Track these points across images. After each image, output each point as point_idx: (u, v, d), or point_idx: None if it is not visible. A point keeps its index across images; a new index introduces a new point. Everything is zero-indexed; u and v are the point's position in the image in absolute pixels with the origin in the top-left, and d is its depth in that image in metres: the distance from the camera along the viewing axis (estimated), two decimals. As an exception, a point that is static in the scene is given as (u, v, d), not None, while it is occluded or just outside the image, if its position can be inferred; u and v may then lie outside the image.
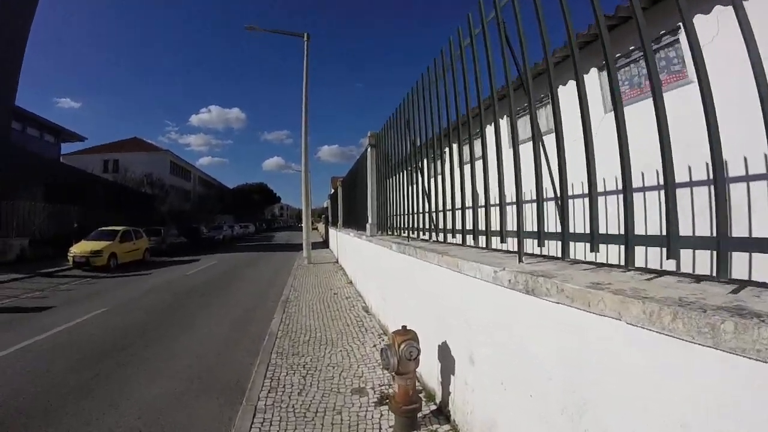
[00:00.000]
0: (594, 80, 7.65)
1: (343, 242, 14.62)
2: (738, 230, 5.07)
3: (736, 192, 5.06)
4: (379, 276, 7.03)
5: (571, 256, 2.66)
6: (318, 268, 15.51)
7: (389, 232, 7.30)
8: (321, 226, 44.78)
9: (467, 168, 3.70)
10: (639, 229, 2.14)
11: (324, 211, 46.60)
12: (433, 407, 3.92)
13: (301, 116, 17.62)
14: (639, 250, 2.16)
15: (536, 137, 2.66)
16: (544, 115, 8.94)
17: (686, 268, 3.13)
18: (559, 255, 2.60)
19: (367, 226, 8.07)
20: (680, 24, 3.36)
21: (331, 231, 22.11)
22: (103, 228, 20.34)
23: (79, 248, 17.64)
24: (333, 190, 26.31)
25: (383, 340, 6.15)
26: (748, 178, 4.95)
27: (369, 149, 8.05)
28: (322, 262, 17.41)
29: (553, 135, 2.52)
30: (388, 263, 6.12)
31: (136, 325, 7.90)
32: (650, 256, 4.14)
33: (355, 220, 11.93)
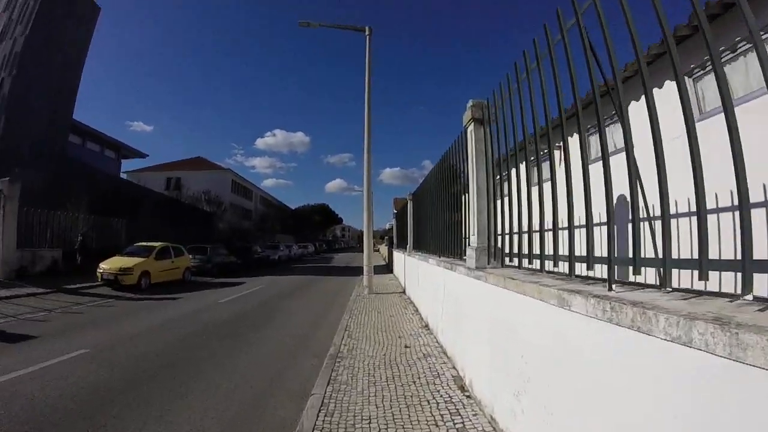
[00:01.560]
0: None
1: (413, 269, 11.15)
2: None
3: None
4: (508, 348, 3.50)
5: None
6: (381, 301, 12.10)
7: (508, 260, 4.06)
8: (383, 249, 41.54)
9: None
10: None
11: (387, 233, 43.40)
12: None
13: (363, 119, 14.54)
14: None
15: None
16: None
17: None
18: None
19: (471, 252, 4.53)
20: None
21: (396, 254, 18.66)
22: (140, 243, 18.28)
23: (110, 264, 15.58)
24: (395, 211, 22.83)
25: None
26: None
27: (472, 127, 4.56)
28: (385, 292, 14.02)
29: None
30: (562, 338, 2.66)
31: (95, 391, 4.87)
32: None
33: (431, 243, 8.57)
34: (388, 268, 26.54)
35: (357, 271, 24.28)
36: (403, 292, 13.86)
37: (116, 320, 9.53)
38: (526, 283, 2.88)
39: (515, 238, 3.88)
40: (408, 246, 12.71)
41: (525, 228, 3.66)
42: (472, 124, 4.41)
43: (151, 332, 8.25)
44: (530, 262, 3.73)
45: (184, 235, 32.68)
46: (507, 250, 4.11)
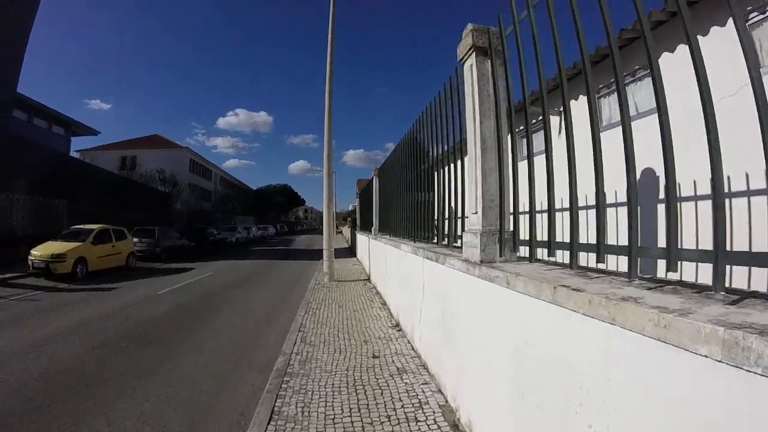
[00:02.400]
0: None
1: (380, 255, 9.86)
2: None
3: None
4: (555, 394, 2.21)
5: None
6: (343, 291, 10.80)
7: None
8: (347, 231, 40.17)
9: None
10: None
11: (350, 215, 41.98)
12: None
13: (324, 87, 12.93)
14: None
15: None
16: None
17: None
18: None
19: (472, 238, 3.15)
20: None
21: (360, 237, 17.34)
22: (77, 226, 16.42)
23: (42, 250, 13.80)
24: (359, 192, 21.42)
25: None
26: None
27: (473, 60, 3.18)
28: (348, 279, 12.73)
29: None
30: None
31: None
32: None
33: (401, 225, 7.36)
34: (351, 251, 25.20)
35: (318, 254, 22.90)
36: (368, 279, 12.59)
37: (26, 320, 7.96)
38: (624, 305, 1.58)
39: (536, 219, 2.62)
40: (373, 228, 11.41)
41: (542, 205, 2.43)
42: (473, 55, 3.06)
43: (62, 337, 6.70)
44: (551, 253, 2.48)
45: (136, 217, 31.04)
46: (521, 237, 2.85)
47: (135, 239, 19.80)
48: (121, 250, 16.75)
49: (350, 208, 51.78)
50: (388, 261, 8.54)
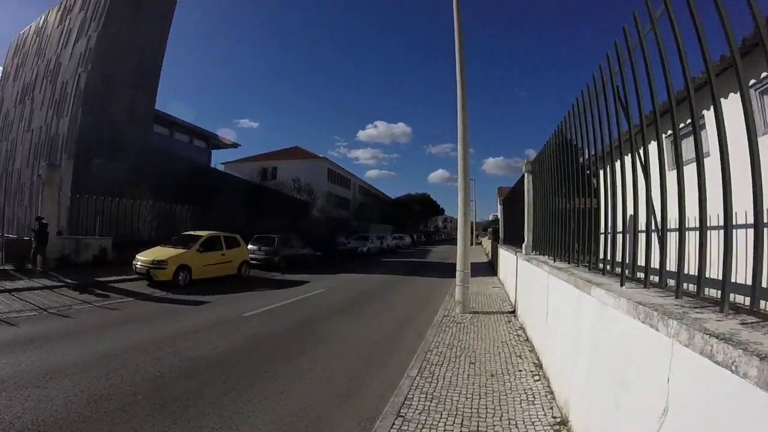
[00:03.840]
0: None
1: (536, 288, 6.32)
2: None
3: None
4: None
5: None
6: (479, 330, 7.57)
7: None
8: (486, 242, 36.40)
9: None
10: None
11: (491, 224, 38.01)
12: None
13: (456, 85, 9.82)
14: None
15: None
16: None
17: None
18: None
19: None
20: None
21: (504, 254, 13.73)
22: (189, 232, 15.85)
23: (147, 255, 13.11)
24: (501, 199, 17.62)
25: None
26: None
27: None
28: (486, 311, 9.43)
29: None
30: None
31: None
32: None
33: (586, 245, 4.00)
34: (491, 267, 21.51)
35: (454, 270, 20.01)
36: (513, 312, 9.14)
37: (74, 336, 6.66)
38: None
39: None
40: (524, 245, 7.93)
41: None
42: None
43: (78, 371, 4.66)
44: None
45: (272, 225, 31.10)
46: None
47: (253, 247, 18.92)
48: (232, 258, 15.61)
49: (490, 217, 47.67)
50: (552, 302, 5.12)
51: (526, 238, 7.89)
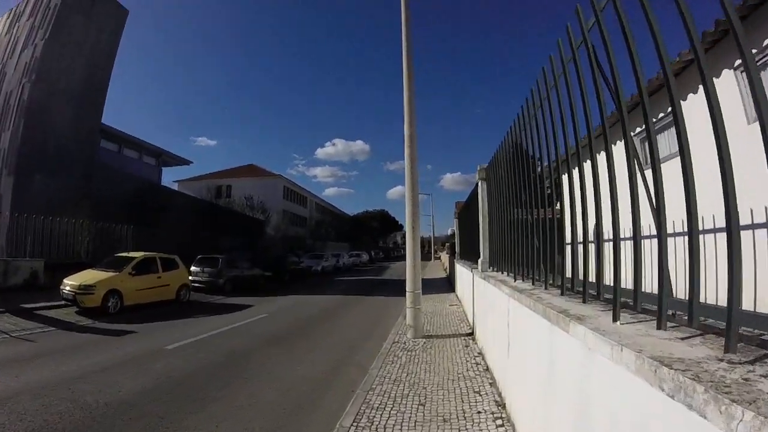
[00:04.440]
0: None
1: (496, 310, 5.42)
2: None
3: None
4: None
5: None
6: (432, 358, 6.65)
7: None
8: (445, 257, 35.82)
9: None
10: None
11: (449, 239, 37.56)
12: None
13: (402, 92, 9.02)
14: None
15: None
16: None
17: None
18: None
19: None
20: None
21: (461, 270, 12.92)
22: (122, 254, 14.21)
23: (75, 280, 11.72)
24: (457, 212, 16.89)
25: None
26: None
27: None
28: (441, 335, 8.53)
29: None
30: None
31: None
32: None
33: (541, 259, 3.18)
34: (449, 282, 20.79)
35: None
36: (471, 334, 8.28)
37: None
38: None
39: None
40: (480, 261, 7.08)
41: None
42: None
43: None
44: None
45: (224, 244, 29.94)
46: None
47: (196, 269, 17.56)
48: (170, 281, 14.18)
49: (449, 232, 47.30)
50: (514, 331, 4.25)
51: (482, 253, 7.05)
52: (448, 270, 26.17)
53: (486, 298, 6.44)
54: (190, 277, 17.19)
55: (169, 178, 43.55)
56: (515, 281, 4.60)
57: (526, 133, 3.97)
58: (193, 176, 52.89)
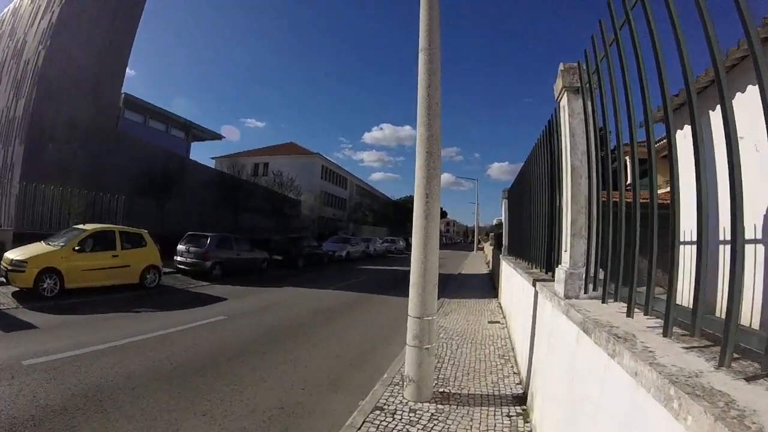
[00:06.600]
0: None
1: (592, 387, 1.78)
2: None
3: None
4: None
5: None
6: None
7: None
8: (488, 248, 31.55)
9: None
10: None
11: (494, 229, 33.13)
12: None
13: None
14: None
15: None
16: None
17: None
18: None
19: None
20: None
21: (508, 270, 8.76)
22: (76, 226, 11.43)
23: (13, 254, 9.70)
24: (506, 195, 12.50)
25: None
26: None
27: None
28: (466, 394, 4.76)
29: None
30: None
31: None
32: None
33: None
34: (491, 281, 16.71)
35: (448, 281, 16.10)
36: (522, 399, 4.45)
37: None
38: None
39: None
40: (563, 268, 3.19)
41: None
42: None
43: None
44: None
45: (244, 222, 27.91)
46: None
47: (182, 247, 14.44)
48: (131, 261, 11.22)
49: (494, 222, 42.57)
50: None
51: (564, 254, 3.14)
52: (491, 264, 22.04)
53: (571, 357, 2.56)
54: (177, 258, 14.36)
55: (204, 153, 41.94)
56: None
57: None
58: (233, 153, 50.78)
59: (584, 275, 2.83)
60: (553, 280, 3.83)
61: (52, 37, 20.84)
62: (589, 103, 2.99)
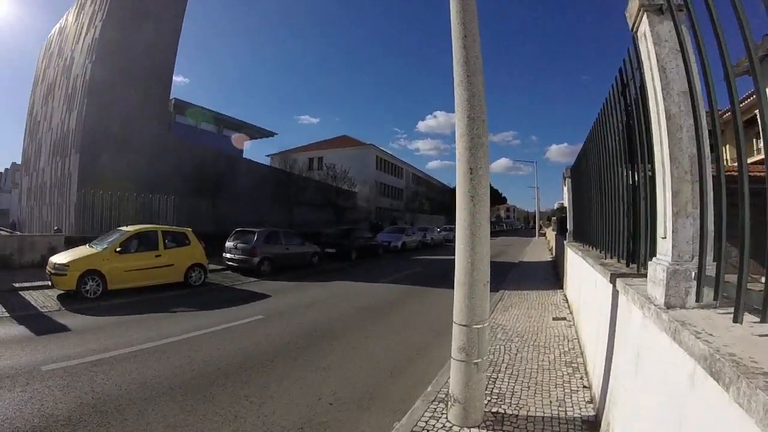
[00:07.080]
0: None
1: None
2: None
3: None
4: None
5: None
6: None
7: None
8: (550, 234, 29.85)
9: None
10: None
11: (555, 213, 31.24)
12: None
13: None
14: None
15: None
16: None
17: None
18: None
19: None
20: None
21: (574, 258, 7.65)
22: (123, 227, 11.41)
23: (59, 258, 9.82)
24: (568, 174, 11.11)
25: None
26: None
27: None
28: (526, 415, 3.90)
29: None
30: None
31: None
32: None
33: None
34: (555, 273, 15.37)
35: (501, 273, 14.47)
36: (593, 422, 3.52)
37: None
38: None
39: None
40: (668, 264, 2.28)
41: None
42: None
43: None
44: None
45: (297, 217, 28.11)
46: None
47: (229, 245, 14.32)
48: (175, 260, 11.12)
49: (555, 206, 40.41)
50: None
51: (663, 241, 2.21)
52: (554, 251, 20.58)
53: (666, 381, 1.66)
54: (225, 255, 14.23)
55: (259, 151, 42.82)
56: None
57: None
58: (286, 149, 51.39)
59: (695, 274, 1.90)
60: (638, 274, 2.90)
61: (96, 51, 21.81)
62: (682, 27, 2.05)
